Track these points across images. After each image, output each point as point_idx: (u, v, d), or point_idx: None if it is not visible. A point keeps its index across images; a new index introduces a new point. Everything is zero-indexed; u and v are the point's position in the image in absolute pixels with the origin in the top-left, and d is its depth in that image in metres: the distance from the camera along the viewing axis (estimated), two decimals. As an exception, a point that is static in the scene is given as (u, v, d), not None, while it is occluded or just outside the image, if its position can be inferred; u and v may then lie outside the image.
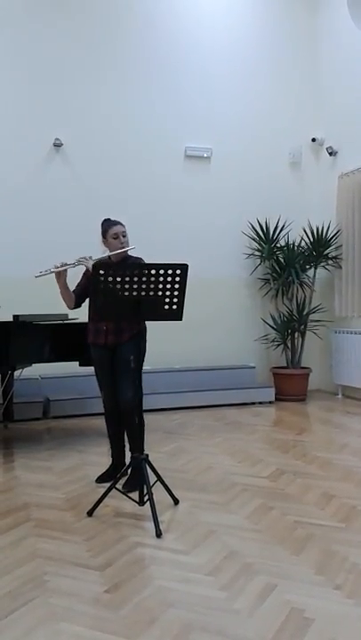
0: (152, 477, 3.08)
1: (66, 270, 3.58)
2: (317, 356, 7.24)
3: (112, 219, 3.66)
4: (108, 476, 3.59)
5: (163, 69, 6.72)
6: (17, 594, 2.25)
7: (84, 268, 3.59)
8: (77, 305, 3.66)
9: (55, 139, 6.25)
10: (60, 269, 3.55)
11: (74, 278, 3.67)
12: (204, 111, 6.86)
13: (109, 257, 3.64)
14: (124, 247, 3.55)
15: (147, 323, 3.59)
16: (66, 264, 3.57)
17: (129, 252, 3.63)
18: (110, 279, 2.94)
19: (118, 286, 2.95)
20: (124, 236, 3.58)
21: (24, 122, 6.19)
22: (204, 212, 6.87)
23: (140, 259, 3.60)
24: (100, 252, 3.65)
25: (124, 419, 3.53)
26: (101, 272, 2.94)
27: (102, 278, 2.94)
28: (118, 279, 2.93)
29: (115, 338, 3.53)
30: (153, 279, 2.97)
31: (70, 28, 6.37)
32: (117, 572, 2.43)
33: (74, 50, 6.39)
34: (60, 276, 3.57)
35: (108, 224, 3.63)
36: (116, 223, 3.62)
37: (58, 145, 6.28)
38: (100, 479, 3.64)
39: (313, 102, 7.30)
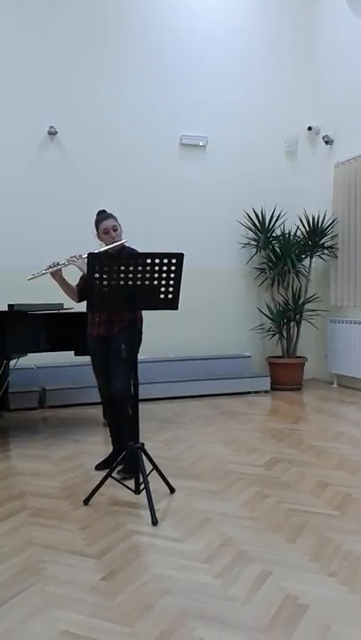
0: (148, 466, 3.09)
1: (61, 269, 3.60)
2: (313, 346, 7.26)
3: (104, 211, 3.65)
4: (107, 464, 3.60)
5: (158, 57, 6.66)
6: (13, 582, 2.26)
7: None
8: (83, 298, 3.58)
9: (50, 127, 6.20)
10: (51, 270, 3.58)
11: (72, 274, 3.65)
12: (199, 100, 6.81)
13: (107, 251, 3.64)
14: (115, 241, 3.54)
15: (143, 312, 3.60)
16: (58, 264, 3.59)
17: (124, 245, 3.62)
18: (106, 269, 2.93)
19: (114, 276, 2.94)
20: (115, 230, 3.57)
21: (18, 109, 6.13)
22: (200, 201, 6.84)
23: (135, 250, 3.59)
24: (94, 243, 3.63)
25: (117, 408, 3.54)
26: (97, 262, 2.93)
27: (97, 269, 2.93)
28: (114, 269, 2.93)
29: (106, 329, 3.54)
30: (149, 268, 2.97)
31: (66, 16, 6.30)
32: (114, 559, 2.45)
33: (69, 38, 6.32)
34: (55, 275, 3.60)
35: (98, 219, 3.63)
36: (106, 217, 3.61)
37: (52, 133, 6.23)
38: (100, 467, 3.66)
39: (309, 91, 7.26)
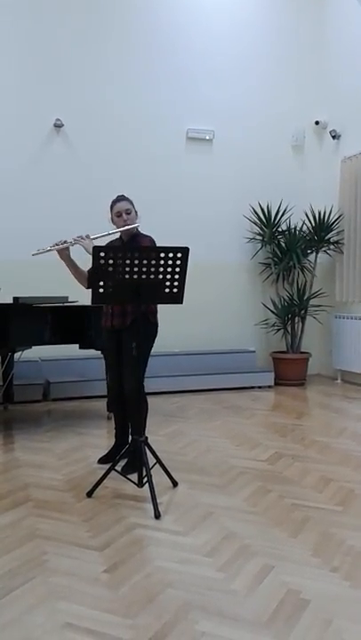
0: (151, 460, 3.10)
1: (68, 248, 3.51)
2: (317, 341, 7.25)
3: (120, 195, 3.62)
4: (111, 457, 3.60)
5: (165, 51, 6.62)
6: (16, 573, 2.27)
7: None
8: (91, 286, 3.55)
9: (56, 119, 6.19)
10: (57, 248, 3.47)
11: (84, 261, 3.60)
12: (206, 93, 6.78)
13: (121, 237, 3.62)
14: (127, 225, 3.52)
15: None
16: (64, 242, 3.49)
17: (139, 230, 3.60)
18: (111, 262, 2.93)
19: (119, 269, 2.93)
20: (127, 214, 3.52)
21: (24, 101, 6.11)
22: (206, 194, 6.82)
23: (149, 237, 3.56)
24: (103, 231, 3.60)
25: (128, 404, 3.54)
26: (102, 254, 2.93)
27: (103, 261, 2.93)
28: (119, 262, 2.92)
29: (119, 320, 3.52)
30: (154, 262, 2.96)
31: (72, 9, 6.27)
32: (116, 552, 2.46)
33: (76, 31, 6.29)
34: (62, 254, 3.50)
35: (112, 201, 3.59)
36: (120, 200, 3.57)
37: (58, 126, 6.22)
38: (102, 460, 3.66)
39: (317, 85, 7.21)
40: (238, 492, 3.18)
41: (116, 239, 3.67)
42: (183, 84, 6.71)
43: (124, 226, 3.51)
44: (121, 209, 3.53)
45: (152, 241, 3.53)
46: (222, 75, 6.86)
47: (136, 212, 3.59)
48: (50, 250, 3.50)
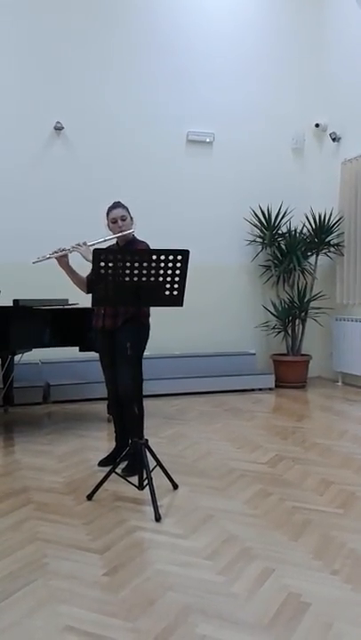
0: (152, 462, 3.09)
1: (67, 256, 3.56)
2: (318, 344, 7.24)
3: (118, 202, 3.65)
4: (111, 460, 3.60)
5: (166, 53, 6.64)
6: (17, 576, 2.27)
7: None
8: (92, 290, 3.58)
9: (56, 122, 6.20)
10: (56, 255, 3.54)
11: (83, 265, 3.62)
12: (206, 96, 6.79)
13: (117, 242, 3.63)
14: (122, 231, 3.53)
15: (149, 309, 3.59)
16: (63, 249, 3.56)
17: (135, 236, 3.61)
18: (111, 265, 2.93)
19: (119, 272, 2.94)
20: (123, 220, 3.56)
21: (25, 104, 6.12)
22: (206, 197, 6.83)
23: (145, 243, 3.58)
24: (101, 236, 3.62)
25: (123, 405, 3.55)
26: (102, 257, 2.93)
27: (103, 264, 2.93)
28: (119, 264, 2.93)
29: (111, 321, 3.54)
30: (154, 265, 2.97)
31: (72, 9, 6.29)
32: (117, 555, 2.45)
33: (76, 33, 6.30)
34: (61, 262, 3.56)
35: (108, 208, 3.62)
36: (115, 206, 3.60)
37: (59, 128, 6.22)
38: (103, 463, 3.66)
39: (317, 87, 7.22)
40: (239, 494, 3.18)
41: (113, 245, 3.69)
42: (183, 86, 6.72)
43: (119, 232, 3.53)
44: (116, 216, 3.56)
45: (147, 246, 3.55)
46: (222, 77, 6.87)
47: (132, 218, 3.61)
48: (49, 257, 3.59)
